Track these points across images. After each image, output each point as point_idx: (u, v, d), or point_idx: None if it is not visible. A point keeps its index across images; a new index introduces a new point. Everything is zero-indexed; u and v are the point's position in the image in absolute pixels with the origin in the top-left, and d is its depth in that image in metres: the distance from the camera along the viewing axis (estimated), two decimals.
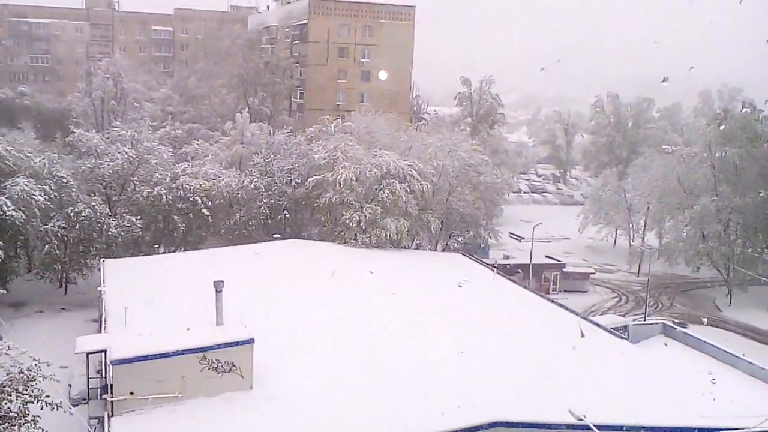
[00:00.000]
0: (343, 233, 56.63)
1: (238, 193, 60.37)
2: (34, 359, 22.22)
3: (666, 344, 41.59)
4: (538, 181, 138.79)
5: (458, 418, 27.02)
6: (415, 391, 29.49)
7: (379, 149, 63.27)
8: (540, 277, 67.10)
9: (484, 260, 60.50)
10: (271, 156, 63.77)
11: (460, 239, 66.93)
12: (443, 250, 65.05)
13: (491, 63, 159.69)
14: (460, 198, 64.48)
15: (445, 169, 63.81)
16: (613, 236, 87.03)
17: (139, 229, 53.54)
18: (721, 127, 70.56)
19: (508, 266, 63.08)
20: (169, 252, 56.94)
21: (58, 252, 51.34)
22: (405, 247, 59.49)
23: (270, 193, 60.50)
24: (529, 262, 65.15)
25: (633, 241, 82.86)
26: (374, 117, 78.20)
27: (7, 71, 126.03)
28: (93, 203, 52.68)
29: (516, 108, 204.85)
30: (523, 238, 78.42)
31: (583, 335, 28.94)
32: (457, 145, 67.41)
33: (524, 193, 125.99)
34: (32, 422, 21.65)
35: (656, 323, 46.22)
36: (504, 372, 32.40)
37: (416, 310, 40.34)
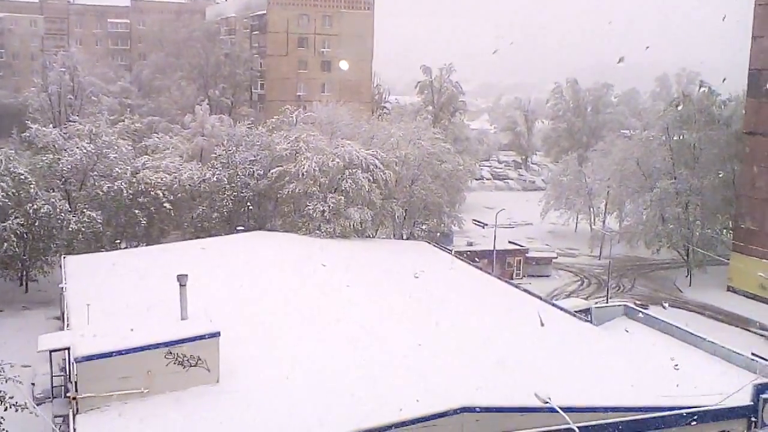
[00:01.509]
0: (307, 224, 56.57)
1: (200, 186, 59.87)
2: None
3: (627, 328, 42.24)
4: (500, 168, 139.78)
5: (426, 405, 27.24)
6: (381, 380, 29.64)
7: (342, 139, 63.29)
8: (503, 263, 67.68)
9: (448, 247, 60.84)
10: (233, 148, 63.30)
11: (424, 227, 67.26)
12: (407, 239, 65.31)
13: (451, 52, 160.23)
14: (423, 186, 64.79)
15: (407, 158, 64.00)
16: (575, 221, 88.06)
17: (100, 225, 52.86)
18: (679, 108, 71.62)
19: (468, 253, 63.45)
20: (131, 247, 56.39)
21: (17, 249, 50.48)
22: (369, 236, 59.61)
23: (233, 185, 60.07)
24: (492, 248, 65.63)
25: (594, 224, 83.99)
26: (336, 107, 78.09)
27: None
28: (52, 199, 51.86)
29: (476, 96, 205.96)
30: (487, 225, 78.82)
31: (542, 324, 29.32)
32: (419, 133, 67.67)
33: (487, 180, 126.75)
34: None
35: (618, 305, 46.79)
36: (469, 358, 32.68)
37: (380, 300, 40.50)
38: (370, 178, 57.89)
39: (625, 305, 46.38)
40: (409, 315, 38.10)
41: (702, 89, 76.03)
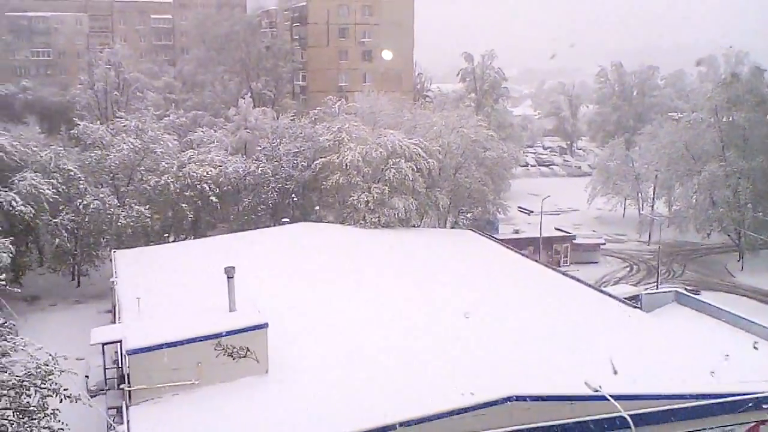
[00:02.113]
0: (351, 214, 56.65)
1: (245, 179, 60.30)
2: (50, 354, 22.32)
3: (678, 314, 41.46)
4: (545, 154, 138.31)
5: (477, 392, 27.05)
6: (429, 370, 29.55)
7: (384, 129, 63.12)
8: (550, 250, 66.96)
9: (493, 235, 60.40)
10: (277, 140, 63.69)
11: (468, 215, 66.91)
12: (452, 227, 65.00)
13: (492, 37, 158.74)
14: (467, 174, 64.39)
15: (450, 147, 63.66)
16: (622, 206, 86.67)
17: (148, 219, 53.60)
18: (728, 89, 69.85)
19: (514, 240, 62.88)
20: (179, 240, 57.06)
21: (68, 245, 51.51)
22: (414, 226, 59.45)
23: (277, 177, 60.43)
24: (538, 235, 65.01)
25: (642, 210, 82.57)
26: (377, 97, 77.91)
27: (8, 66, 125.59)
28: (101, 195, 52.77)
29: (519, 82, 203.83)
30: (532, 212, 78.28)
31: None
32: (462, 121, 67.21)
33: (531, 166, 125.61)
34: (52, 415, 21.79)
35: (669, 291, 46.01)
36: (518, 347, 32.42)
37: (426, 290, 40.33)
38: (414, 167, 57.67)
39: (675, 291, 45.60)
40: (456, 304, 37.86)
41: (751, 69, 74.08)
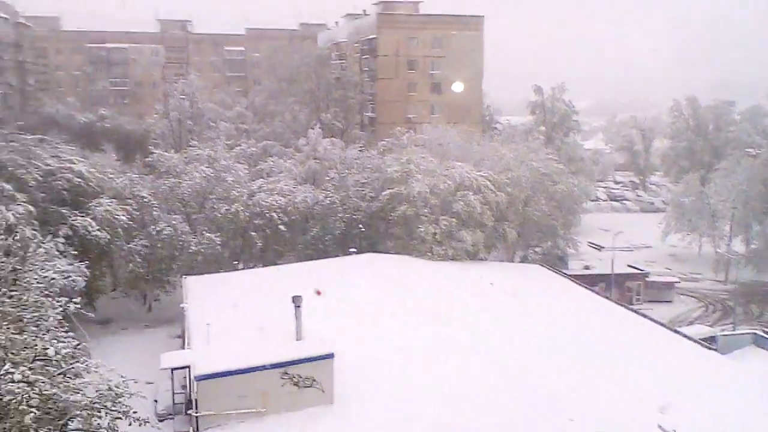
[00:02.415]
0: (419, 246, 56.31)
1: (313, 209, 60.67)
2: (122, 376, 22.51)
3: (756, 357, 39.82)
4: (617, 189, 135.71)
5: None
6: (494, 405, 28.91)
7: (452, 161, 62.82)
8: (622, 288, 65.22)
9: (563, 271, 59.20)
10: (345, 171, 64.05)
11: (537, 250, 65.82)
12: (521, 262, 64.02)
13: (562, 69, 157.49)
14: (537, 208, 63.50)
15: (519, 179, 62.91)
16: (698, 244, 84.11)
17: (219, 246, 54.27)
18: None
19: (585, 276, 61.54)
20: (247, 268, 57.54)
21: (141, 270, 52.41)
22: (482, 259, 58.74)
23: (345, 207, 60.66)
24: (610, 272, 63.46)
25: (718, 248, 79.94)
26: (446, 129, 77.74)
27: (88, 96, 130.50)
28: (173, 221, 53.71)
29: (590, 114, 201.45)
30: (603, 248, 76.58)
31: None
32: (531, 154, 66.52)
33: (602, 201, 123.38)
34: None
35: (746, 333, 44.36)
36: (589, 386, 31.44)
37: (493, 323, 39.64)
38: (482, 199, 57.16)
39: (753, 333, 43.85)
40: (523, 339, 37.07)
41: None
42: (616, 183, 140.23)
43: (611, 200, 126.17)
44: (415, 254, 55.97)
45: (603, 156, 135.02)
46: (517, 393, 30.14)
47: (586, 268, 68.69)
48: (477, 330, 38.09)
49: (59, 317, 24.28)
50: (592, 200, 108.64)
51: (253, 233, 56.26)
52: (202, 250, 53.32)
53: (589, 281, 57.93)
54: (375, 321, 38.67)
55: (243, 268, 57.20)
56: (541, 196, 64.36)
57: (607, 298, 51.18)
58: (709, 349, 39.79)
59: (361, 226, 60.92)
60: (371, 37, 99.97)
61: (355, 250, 56.88)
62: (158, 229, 52.52)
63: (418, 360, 33.54)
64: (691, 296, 69.18)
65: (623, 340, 39.27)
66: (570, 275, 55.89)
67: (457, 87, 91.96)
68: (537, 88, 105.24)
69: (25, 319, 24.02)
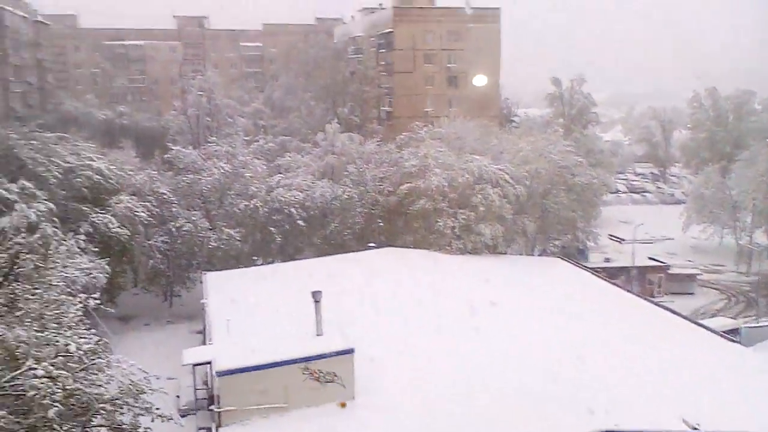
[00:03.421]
0: (437, 240, 56.15)
1: (331, 203, 60.66)
2: (144, 372, 22.58)
3: None
4: (637, 181, 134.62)
5: (569, 426, 26.10)
6: (517, 401, 28.73)
7: (470, 154, 62.54)
8: (643, 280, 64.74)
9: (583, 264, 58.84)
10: (363, 165, 63.97)
11: (557, 243, 65.43)
12: (541, 255, 63.71)
13: (580, 61, 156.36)
14: (556, 201, 63.12)
15: (538, 172, 62.55)
16: (719, 235, 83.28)
17: (238, 242, 54.46)
18: None
19: (605, 269, 61.15)
20: (266, 263, 57.66)
21: (161, 266, 52.77)
22: (501, 253, 58.49)
23: (363, 202, 60.61)
24: (631, 264, 63.02)
25: (740, 239, 79.15)
26: (463, 122, 77.41)
27: (106, 93, 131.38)
28: (193, 217, 53.95)
29: (608, 106, 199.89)
30: (624, 240, 76.01)
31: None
32: (550, 147, 66.08)
33: (622, 193, 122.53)
34: None
35: None
36: (611, 380, 31.19)
37: (513, 317, 39.42)
38: (500, 193, 56.88)
39: None
40: (544, 333, 36.83)
41: None
42: (636, 175, 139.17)
43: (631, 192, 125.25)
44: (433, 248, 55.81)
45: (622, 148, 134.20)
46: (537, 385, 29.93)
47: (607, 260, 68.25)
48: (497, 323, 37.88)
49: (80, 314, 24.39)
50: (612, 192, 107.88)
51: (272, 228, 56.37)
52: (222, 246, 53.55)
53: (609, 274, 57.60)
54: (395, 315, 38.56)
55: (262, 264, 57.30)
56: (561, 189, 63.95)
57: (628, 290, 50.77)
58: (732, 341, 39.36)
59: (379, 220, 60.84)
60: (387, 31, 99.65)
61: (374, 244, 56.78)
62: (178, 225, 52.80)
63: (439, 354, 33.39)
64: (713, 288, 68.54)
65: (645, 332, 38.92)
66: (590, 268, 55.51)
67: (478, 81, 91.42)
68: (555, 80, 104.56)
69: (46, 316, 24.16)
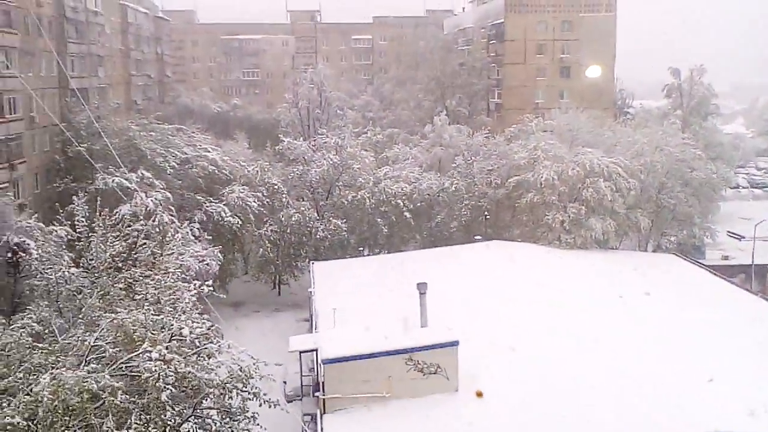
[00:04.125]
0: (546, 234, 55.10)
1: (438, 196, 60.59)
2: (253, 358, 23.18)
3: None
4: (759, 175, 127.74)
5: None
6: (619, 399, 27.98)
7: (582, 147, 61.02)
8: (764, 279, 61.46)
9: (700, 261, 56.40)
10: (471, 157, 63.51)
11: (672, 239, 62.94)
12: (654, 251, 61.53)
13: (700, 51, 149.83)
14: (671, 195, 60.74)
15: (653, 166, 60.32)
16: None
17: (345, 232, 55.17)
18: None
19: (723, 267, 58.38)
20: (373, 254, 58.18)
21: (271, 255, 54.12)
22: (612, 248, 56.83)
23: (470, 194, 60.20)
24: (751, 262, 59.94)
25: None
26: (575, 114, 75.55)
27: (221, 86, 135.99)
28: (302, 208, 55.04)
29: (729, 97, 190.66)
30: (744, 237, 72.28)
31: None
32: (667, 139, 63.56)
33: (743, 188, 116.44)
34: (251, 419, 22.57)
35: None
36: (722, 385, 29.64)
37: (620, 315, 38.18)
38: (613, 186, 55.18)
39: None
40: (652, 332, 35.49)
41: None
42: (759, 169, 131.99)
43: (753, 187, 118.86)
44: (541, 242, 54.81)
45: (744, 141, 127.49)
46: (642, 390, 28.86)
47: (725, 258, 65.20)
48: (604, 321, 36.81)
49: (194, 299, 25.28)
50: (732, 188, 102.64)
51: (378, 220, 56.78)
52: (329, 236, 54.40)
53: (727, 272, 54.81)
54: (500, 309, 38.11)
55: (368, 254, 57.86)
56: (677, 183, 61.44)
57: (747, 290, 48.26)
58: None
59: (486, 213, 60.27)
60: (498, 21, 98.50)
61: (480, 237, 56.31)
62: (287, 215, 53.95)
63: (543, 349, 32.74)
64: None
65: (763, 335, 36.84)
66: (707, 266, 53.12)
67: (592, 72, 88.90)
68: (674, 71, 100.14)
69: (162, 301, 25.20)
